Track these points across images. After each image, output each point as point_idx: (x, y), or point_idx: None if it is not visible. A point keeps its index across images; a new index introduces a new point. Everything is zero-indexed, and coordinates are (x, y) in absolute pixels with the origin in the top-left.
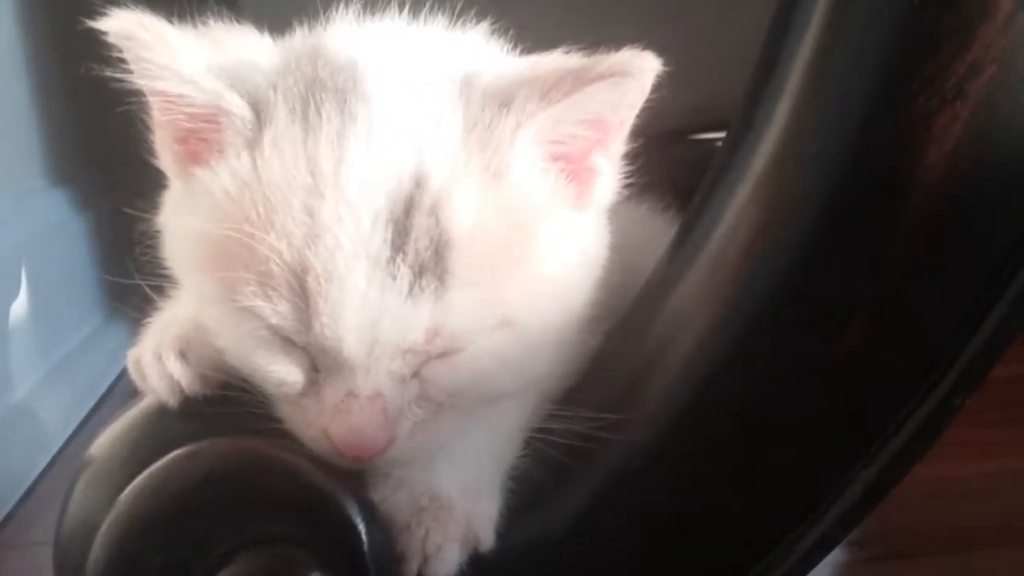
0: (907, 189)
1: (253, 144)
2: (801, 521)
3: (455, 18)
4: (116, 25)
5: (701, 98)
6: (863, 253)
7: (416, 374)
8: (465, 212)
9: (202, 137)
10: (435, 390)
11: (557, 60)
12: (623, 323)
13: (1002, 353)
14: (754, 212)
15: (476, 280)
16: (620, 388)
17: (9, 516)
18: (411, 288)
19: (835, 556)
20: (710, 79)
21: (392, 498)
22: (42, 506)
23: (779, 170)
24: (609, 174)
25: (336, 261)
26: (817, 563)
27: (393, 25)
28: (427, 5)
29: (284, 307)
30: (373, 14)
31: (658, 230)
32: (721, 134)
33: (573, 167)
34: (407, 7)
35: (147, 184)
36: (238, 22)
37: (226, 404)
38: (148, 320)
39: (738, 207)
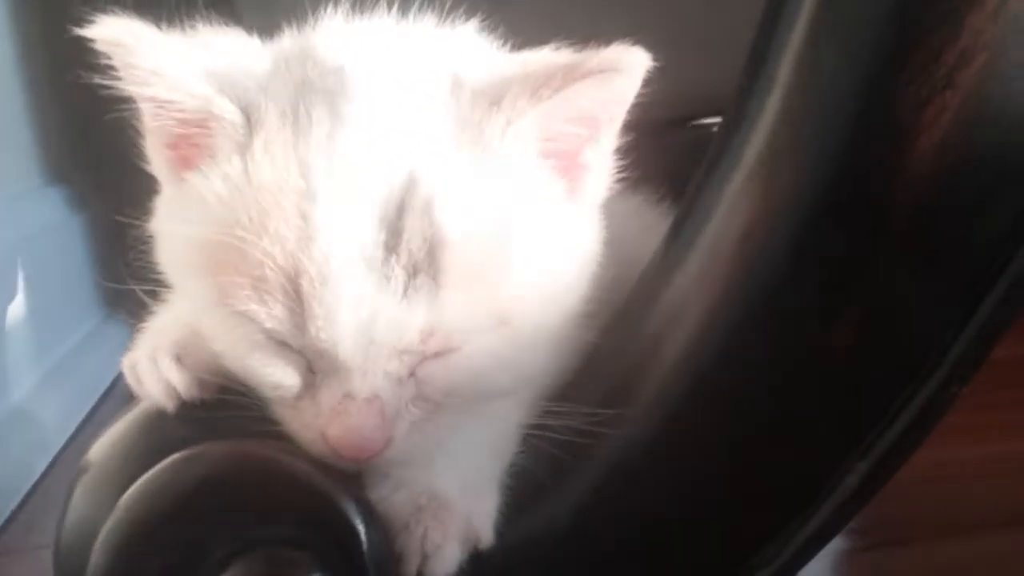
0: (898, 179)
1: (244, 148)
2: (798, 513)
3: (444, 16)
4: (104, 32)
5: (696, 87)
6: (856, 244)
7: (412, 374)
8: (458, 212)
9: (193, 142)
10: (431, 390)
11: (547, 57)
12: (619, 318)
13: (996, 341)
14: (747, 204)
15: (470, 280)
16: (616, 383)
17: (10, 519)
18: (405, 289)
19: (833, 545)
20: (703, 69)
21: (390, 498)
22: (42, 509)
23: (771, 162)
24: (601, 170)
25: (330, 264)
26: (815, 554)
27: (382, 24)
28: (416, 3)
29: (279, 311)
30: (362, 13)
31: (652, 223)
32: (717, 119)
33: (565, 164)
34: (396, 5)
35: (141, 187)
36: (227, 25)
37: (223, 408)
38: (143, 325)
39: (731, 199)
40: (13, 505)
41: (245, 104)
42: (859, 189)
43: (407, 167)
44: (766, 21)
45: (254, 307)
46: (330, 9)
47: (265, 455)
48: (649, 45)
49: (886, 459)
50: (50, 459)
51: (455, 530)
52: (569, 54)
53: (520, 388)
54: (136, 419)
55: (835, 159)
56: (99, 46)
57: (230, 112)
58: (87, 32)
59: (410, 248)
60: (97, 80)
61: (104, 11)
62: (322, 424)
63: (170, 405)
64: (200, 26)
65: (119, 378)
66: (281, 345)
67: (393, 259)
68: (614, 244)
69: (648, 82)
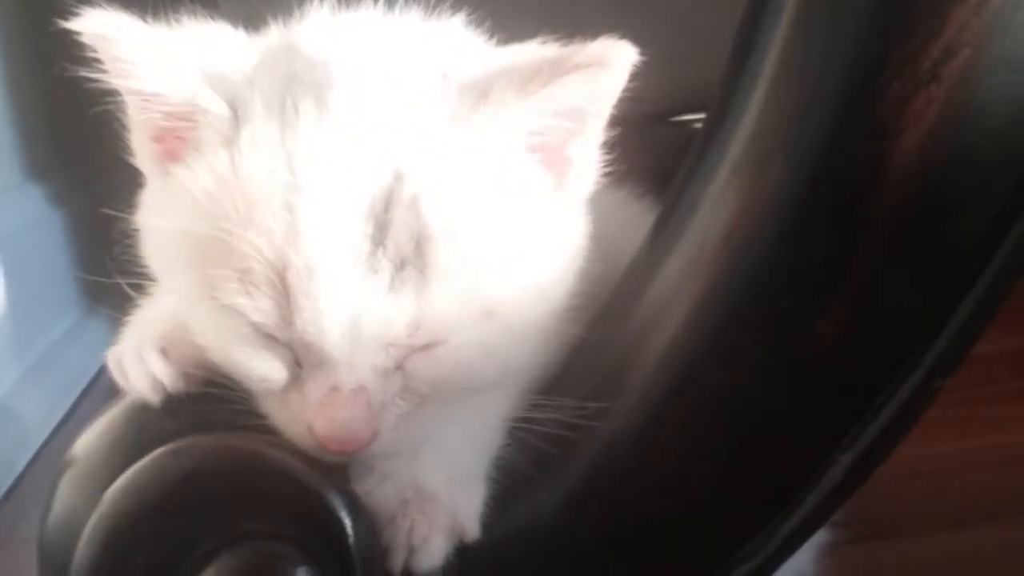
0: (883, 175)
1: (231, 141)
2: (782, 507)
3: (431, 9)
4: (89, 25)
5: (680, 81)
6: (840, 239)
7: (399, 367)
8: (445, 205)
9: (179, 135)
10: (418, 382)
11: (534, 51)
12: (605, 312)
13: (979, 335)
14: (732, 200)
15: (457, 272)
16: (602, 377)
17: None
18: (392, 282)
19: (817, 538)
20: (689, 64)
21: (377, 491)
22: (26, 503)
23: (756, 157)
24: (588, 163)
25: (316, 257)
26: (797, 548)
27: (368, 17)
28: None
29: (265, 304)
30: (348, 6)
31: (637, 217)
32: (700, 115)
33: (552, 158)
34: None
35: (125, 181)
36: (213, 19)
37: (209, 401)
38: (127, 318)
39: (716, 195)
40: None
41: (231, 97)
42: (844, 184)
43: (394, 160)
44: (749, 15)
45: (240, 300)
46: (316, 2)
47: (251, 448)
48: (634, 39)
49: (870, 452)
50: (32, 455)
51: (441, 523)
52: (556, 48)
53: (506, 380)
54: (121, 413)
55: (820, 154)
56: (85, 39)
57: (216, 105)
58: (73, 25)
59: (397, 241)
60: (82, 73)
61: (89, 4)
62: (308, 417)
63: (155, 399)
64: (185, 19)
65: (100, 373)
66: (267, 338)
67: (380, 252)
68: (600, 238)
69: (634, 76)
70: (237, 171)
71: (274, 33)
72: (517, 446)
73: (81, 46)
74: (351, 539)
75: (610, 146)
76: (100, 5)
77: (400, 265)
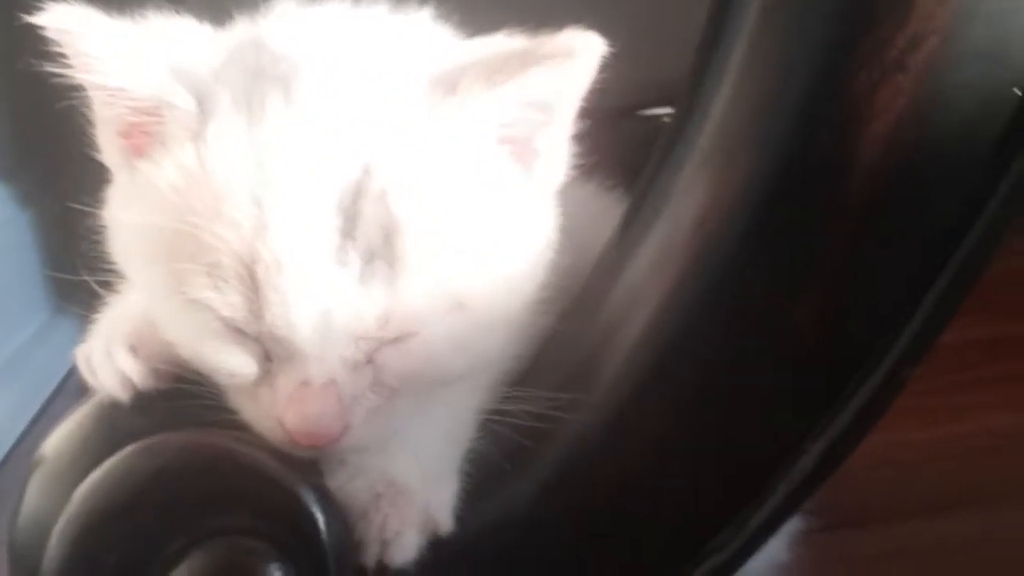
0: (851, 164)
1: (197, 136)
2: (753, 496)
3: (398, 2)
4: (53, 19)
5: (648, 75)
6: (809, 230)
7: (369, 360)
8: (413, 197)
9: (145, 130)
10: (389, 376)
11: (501, 43)
12: (576, 304)
13: (946, 325)
14: (702, 191)
15: (427, 265)
16: (574, 368)
17: None
18: (362, 275)
19: (790, 526)
20: (658, 57)
21: (348, 486)
22: None
23: (725, 148)
24: (558, 156)
25: (285, 250)
26: (770, 537)
27: (335, 11)
28: None
29: (234, 298)
30: (314, 0)
31: (607, 209)
32: (668, 109)
33: (521, 150)
34: None
35: (91, 177)
36: (179, 13)
37: (179, 397)
38: (96, 316)
39: (685, 186)
40: None
41: (198, 92)
42: (812, 175)
43: (362, 153)
44: (717, 6)
45: (209, 295)
46: None
47: (221, 445)
48: (603, 32)
49: (840, 442)
50: (2, 455)
51: (413, 517)
52: (523, 40)
53: (478, 373)
54: (91, 411)
55: (788, 144)
56: (49, 33)
57: (183, 100)
58: (36, 19)
59: (366, 234)
60: (47, 68)
61: None
62: (279, 411)
63: (125, 396)
64: (151, 14)
65: (70, 373)
66: (237, 332)
67: (349, 245)
68: (570, 231)
69: (603, 69)
70: (204, 165)
71: (240, 27)
72: (490, 439)
73: (46, 41)
74: (324, 534)
75: (580, 139)
76: (64, 0)
77: (369, 258)
